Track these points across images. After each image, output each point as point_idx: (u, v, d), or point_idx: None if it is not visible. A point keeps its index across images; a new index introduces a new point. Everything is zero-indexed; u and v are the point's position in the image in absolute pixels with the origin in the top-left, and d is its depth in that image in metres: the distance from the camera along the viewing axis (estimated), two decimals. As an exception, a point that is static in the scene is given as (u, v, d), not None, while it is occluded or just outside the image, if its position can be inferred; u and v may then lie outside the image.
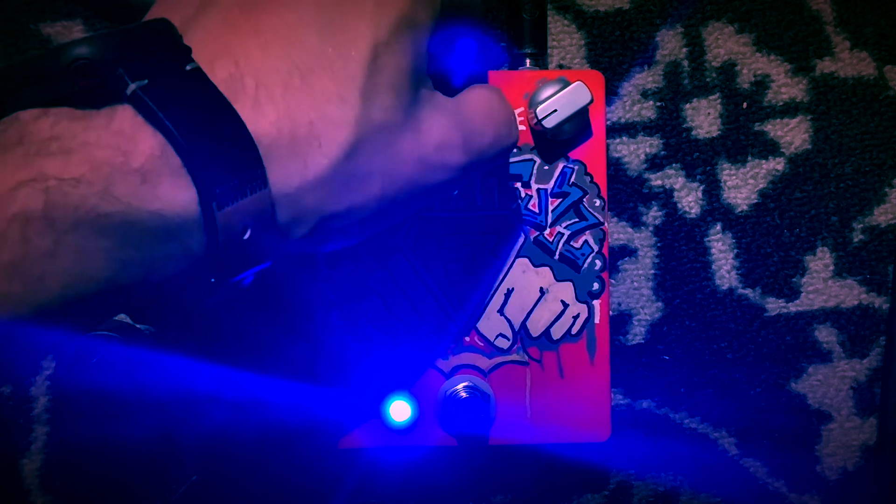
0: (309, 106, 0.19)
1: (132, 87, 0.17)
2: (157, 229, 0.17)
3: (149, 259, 0.18)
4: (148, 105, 0.17)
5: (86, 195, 0.16)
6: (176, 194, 0.18)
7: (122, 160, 0.17)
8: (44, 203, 0.16)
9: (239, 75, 0.19)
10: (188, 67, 0.18)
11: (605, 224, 0.30)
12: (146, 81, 0.17)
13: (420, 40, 0.22)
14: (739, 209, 0.34)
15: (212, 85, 0.18)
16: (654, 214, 0.34)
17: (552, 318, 0.30)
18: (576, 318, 0.30)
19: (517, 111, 0.30)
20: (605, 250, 0.30)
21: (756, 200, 0.34)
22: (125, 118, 0.17)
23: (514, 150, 0.30)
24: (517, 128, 0.25)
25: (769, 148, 0.34)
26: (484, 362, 0.30)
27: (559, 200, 0.30)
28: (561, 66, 0.33)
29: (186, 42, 0.19)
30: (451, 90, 0.25)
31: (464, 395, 0.30)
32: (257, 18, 0.20)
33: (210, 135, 0.18)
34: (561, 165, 0.30)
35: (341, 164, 0.20)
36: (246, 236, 0.19)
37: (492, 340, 0.30)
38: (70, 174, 0.16)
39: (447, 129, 0.22)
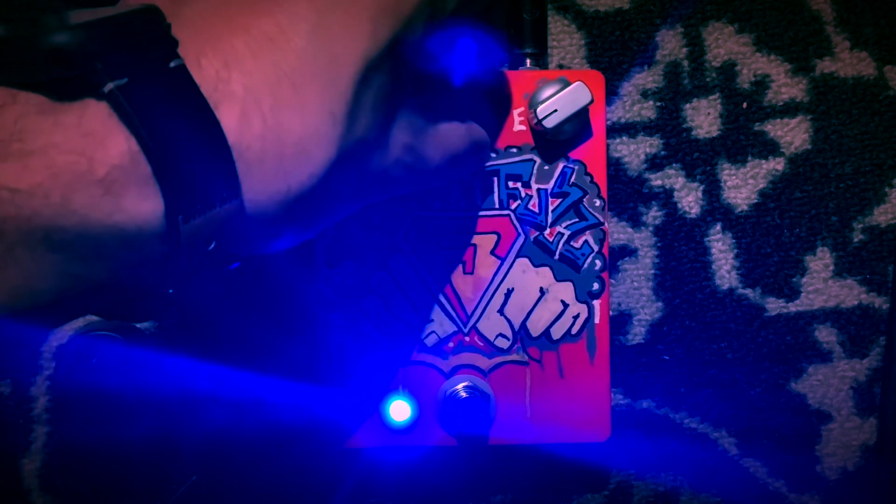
0: (297, 121, 0.19)
1: (110, 86, 0.16)
2: (115, 243, 0.17)
3: (102, 271, 0.17)
4: (124, 107, 0.16)
5: (40, 208, 0.15)
6: (140, 205, 0.17)
7: (86, 168, 0.16)
8: None
9: (227, 77, 0.18)
10: (172, 64, 0.17)
11: (605, 224, 0.30)
12: (125, 80, 0.16)
13: (412, 60, 0.22)
14: (739, 209, 0.34)
15: (195, 88, 0.17)
16: (654, 214, 0.34)
17: (552, 318, 0.30)
18: (576, 318, 0.30)
19: (517, 111, 0.30)
20: (605, 250, 0.30)
21: (756, 200, 0.34)
22: (98, 116, 0.16)
23: (514, 151, 0.30)
24: (473, 158, 0.25)
25: (769, 148, 0.34)
26: (484, 362, 0.30)
27: (559, 200, 0.30)
28: (561, 66, 0.33)
29: (174, 30, 0.18)
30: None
31: (464, 395, 0.30)
32: (250, 15, 0.19)
33: (186, 144, 0.17)
34: (561, 165, 0.30)
35: (321, 181, 0.19)
36: (210, 247, 0.18)
37: (492, 340, 0.30)
38: (26, 183, 0.15)
39: (407, 147, 0.22)
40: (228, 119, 0.18)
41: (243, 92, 0.18)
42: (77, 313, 0.19)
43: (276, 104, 0.18)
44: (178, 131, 0.17)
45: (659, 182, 0.34)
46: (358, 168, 0.21)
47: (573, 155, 0.30)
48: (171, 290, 0.18)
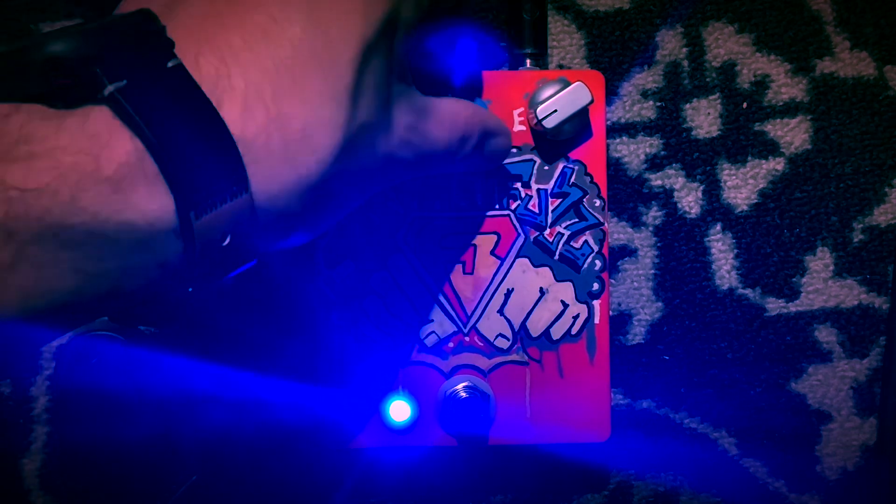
0: (300, 108, 0.19)
1: (109, 88, 0.16)
2: (128, 240, 0.17)
3: (118, 270, 0.17)
4: (125, 109, 0.16)
5: (50, 206, 0.16)
6: (151, 203, 0.17)
7: (93, 167, 0.16)
8: (3, 214, 0.15)
9: (226, 73, 0.18)
10: (170, 64, 0.17)
11: (605, 224, 0.30)
12: (124, 83, 0.17)
13: (406, 39, 0.22)
14: (739, 209, 0.34)
15: (195, 85, 0.17)
16: (654, 214, 0.34)
17: (552, 318, 0.30)
18: (576, 318, 0.30)
19: (517, 111, 0.30)
20: (605, 250, 0.30)
21: (756, 200, 0.34)
22: (101, 120, 0.16)
23: (514, 151, 0.30)
24: (485, 138, 0.25)
25: (769, 148, 0.34)
26: (484, 362, 0.30)
27: (559, 200, 0.30)
28: (561, 66, 0.33)
29: (170, 32, 0.18)
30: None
31: (464, 395, 0.30)
32: (242, 10, 0.19)
33: (191, 141, 0.17)
34: (561, 165, 0.30)
35: (330, 167, 0.19)
36: (225, 242, 0.18)
37: (492, 340, 0.30)
38: (34, 184, 0.16)
39: (410, 127, 0.22)
40: (231, 113, 0.18)
41: (244, 85, 0.18)
42: (94, 316, 0.19)
43: (277, 94, 0.18)
44: (182, 129, 0.17)
45: (659, 182, 0.34)
46: (365, 152, 0.21)
47: (573, 155, 0.30)
48: (190, 289, 0.18)
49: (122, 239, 0.17)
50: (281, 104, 0.18)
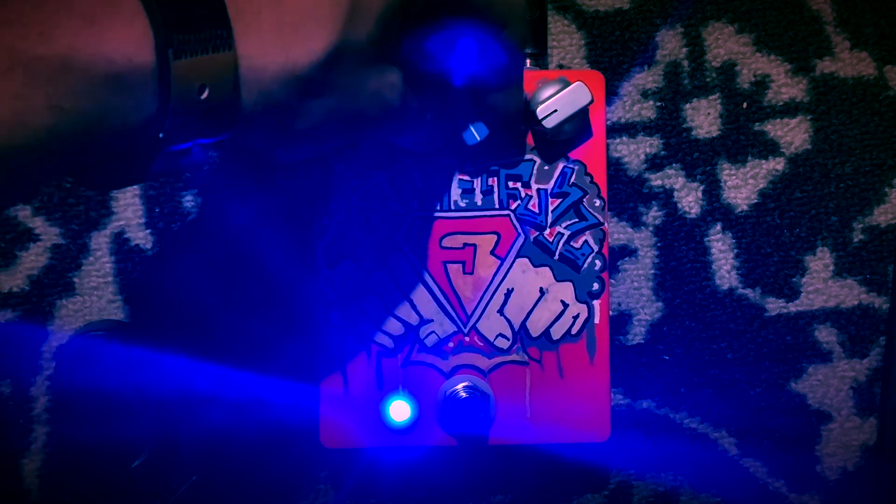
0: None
1: None
2: (104, 77, 0.16)
3: (94, 110, 0.17)
4: None
5: (17, 39, 0.15)
6: (128, 38, 0.16)
7: (64, 1, 0.16)
8: None
9: None
10: None
11: (605, 224, 0.30)
12: None
13: (405, 25, 0.21)
14: (739, 209, 0.34)
15: None
16: (654, 214, 0.34)
17: (552, 318, 0.30)
18: (576, 318, 0.30)
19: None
20: (605, 250, 0.30)
21: (756, 200, 0.34)
22: None
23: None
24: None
25: (769, 148, 0.34)
26: (484, 362, 0.30)
27: (559, 200, 0.30)
28: (561, 66, 0.33)
29: None
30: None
31: (464, 395, 0.30)
32: None
33: None
34: (561, 165, 0.30)
35: (319, 67, 0.19)
36: (203, 95, 0.18)
37: (492, 340, 0.30)
38: (2, 16, 0.15)
39: (393, 87, 0.22)
40: None
41: None
42: (73, 165, 0.18)
43: None
44: None
45: (659, 182, 0.34)
46: (353, 74, 0.20)
47: (573, 155, 0.30)
48: (160, 135, 0.18)
49: (97, 75, 0.16)
50: None
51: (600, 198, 0.30)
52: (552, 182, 0.30)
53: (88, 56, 0.16)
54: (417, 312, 0.30)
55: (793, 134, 0.34)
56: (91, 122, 0.16)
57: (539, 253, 0.30)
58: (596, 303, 0.30)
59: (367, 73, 0.21)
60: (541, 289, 0.30)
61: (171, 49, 0.17)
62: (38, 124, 0.16)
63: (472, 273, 0.30)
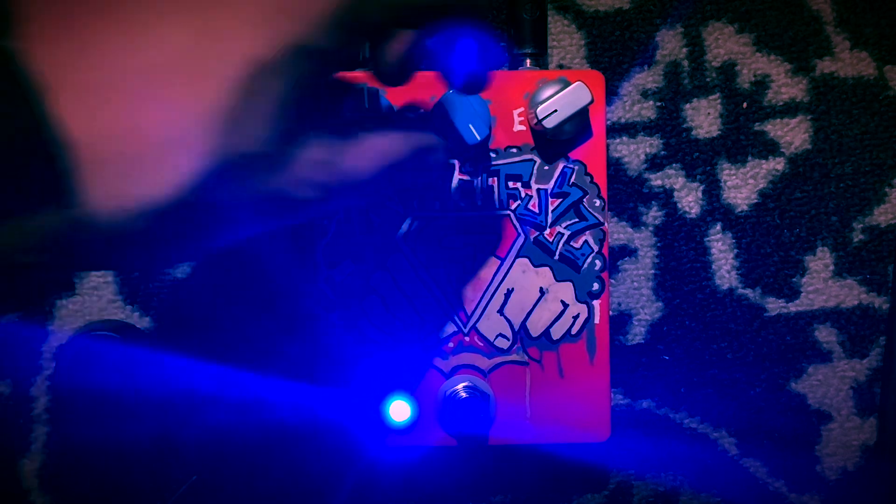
0: (161, 121, 0.16)
1: None
2: None
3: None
4: None
5: None
6: None
7: None
8: None
9: (76, 63, 0.16)
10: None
11: (605, 224, 0.30)
12: None
13: (325, 70, 0.19)
14: (739, 209, 0.34)
15: (20, 70, 0.15)
16: (654, 214, 0.34)
17: (552, 318, 0.30)
18: (576, 318, 0.30)
19: (517, 111, 0.30)
20: (605, 250, 0.30)
21: (756, 200, 0.34)
22: None
23: (514, 151, 0.30)
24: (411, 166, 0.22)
25: (769, 148, 0.34)
26: (484, 362, 0.30)
27: (559, 200, 0.30)
28: (561, 66, 0.33)
29: (27, 9, 0.16)
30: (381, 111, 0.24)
31: (464, 395, 0.30)
32: (131, 1, 0.17)
33: (3, 131, 0.15)
34: (561, 165, 0.30)
35: (188, 194, 0.17)
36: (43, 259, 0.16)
37: (492, 340, 0.30)
38: None
39: (320, 162, 0.19)
40: (67, 111, 0.15)
41: (96, 81, 0.16)
42: None
43: (139, 99, 0.16)
44: None
45: (659, 182, 0.34)
46: (247, 185, 0.18)
47: (573, 155, 0.30)
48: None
49: None
50: (140, 111, 0.16)
51: (600, 198, 0.30)
52: (552, 182, 0.30)
53: None
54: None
55: (793, 134, 0.34)
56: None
57: (539, 253, 0.30)
58: (596, 303, 0.30)
59: (272, 170, 0.18)
60: (541, 289, 0.30)
61: None
62: None
63: (472, 273, 0.30)
